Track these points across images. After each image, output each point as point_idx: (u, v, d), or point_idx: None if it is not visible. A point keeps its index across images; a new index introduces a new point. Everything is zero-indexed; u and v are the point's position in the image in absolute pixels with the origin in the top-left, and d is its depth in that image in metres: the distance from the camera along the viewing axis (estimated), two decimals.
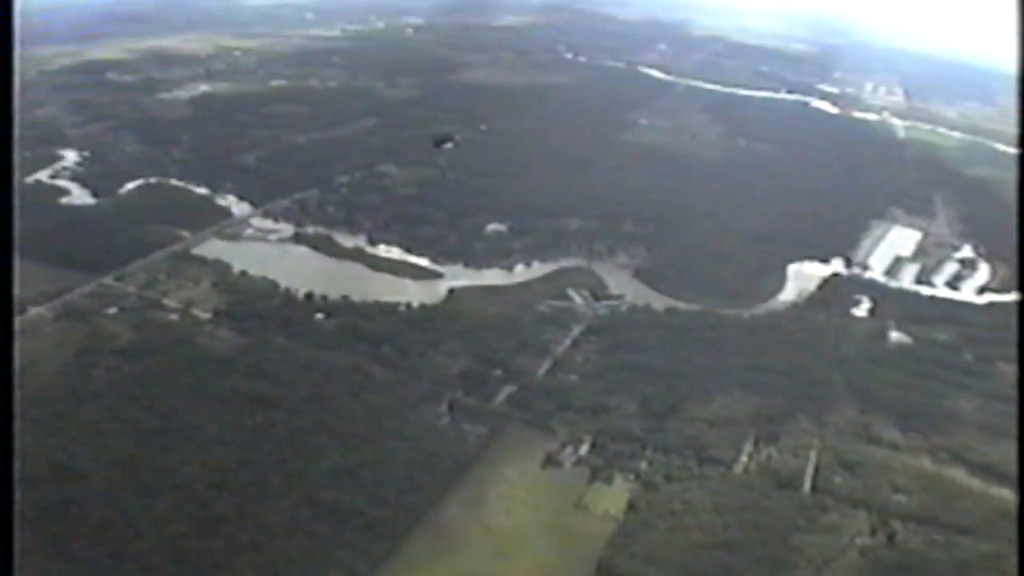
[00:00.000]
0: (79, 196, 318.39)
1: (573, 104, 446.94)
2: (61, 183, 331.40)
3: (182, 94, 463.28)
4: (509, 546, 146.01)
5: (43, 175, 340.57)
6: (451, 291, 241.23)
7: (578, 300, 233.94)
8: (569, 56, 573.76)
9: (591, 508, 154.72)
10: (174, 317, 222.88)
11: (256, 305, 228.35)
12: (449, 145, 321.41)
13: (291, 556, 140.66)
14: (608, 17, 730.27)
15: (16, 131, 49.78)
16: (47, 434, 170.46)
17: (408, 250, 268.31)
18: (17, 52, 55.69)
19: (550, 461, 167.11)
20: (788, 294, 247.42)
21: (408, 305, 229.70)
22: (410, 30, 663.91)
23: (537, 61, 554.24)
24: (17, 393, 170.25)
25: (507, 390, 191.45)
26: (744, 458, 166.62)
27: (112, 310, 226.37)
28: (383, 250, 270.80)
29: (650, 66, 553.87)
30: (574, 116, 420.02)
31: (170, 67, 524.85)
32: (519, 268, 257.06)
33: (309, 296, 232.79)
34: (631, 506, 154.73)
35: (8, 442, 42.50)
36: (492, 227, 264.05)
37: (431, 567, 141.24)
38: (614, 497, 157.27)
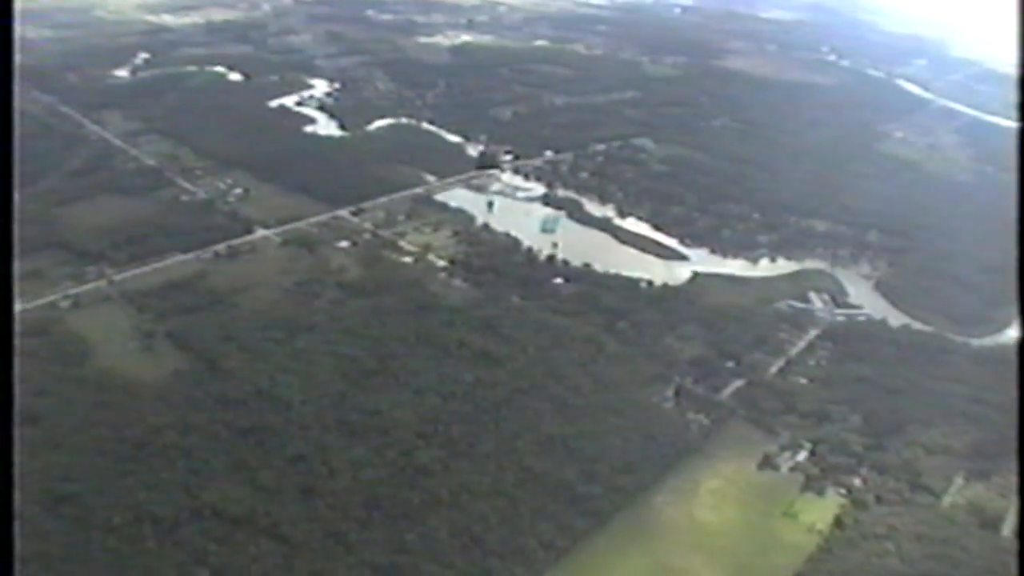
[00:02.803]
0: (324, 126, 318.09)
1: (831, 106, 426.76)
2: (307, 111, 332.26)
3: (442, 40, 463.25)
4: (710, 543, 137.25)
5: (289, 101, 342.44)
6: (695, 275, 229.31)
7: (818, 304, 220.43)
8: (832, 58, 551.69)
9: (799, 518, 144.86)
10: (407, 260, 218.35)
11: (495, 260, 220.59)
12: (495, 171, 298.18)
13: (489, 520, 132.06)
14: (871, 25, 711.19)
15: (15, 127, 44.12)
16: (256, 359, 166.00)
17: (656, 227, 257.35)
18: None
19: (767, 463, 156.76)
20: (1019, 328, 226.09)
21: (650, 283, 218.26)
22: (678, 9, 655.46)
23: (800, 58, 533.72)
24: (229, 314, 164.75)
25: (736, 384, 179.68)
26: (954, 491, 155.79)
27: (343, 243, 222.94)
28: (631, 224, 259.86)
29: (907, 80, 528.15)
30: (831, 118, 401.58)
31: (431, 12, 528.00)
32: (764, 262, 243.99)
33: (551, 259, 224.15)
34: (838, 522, 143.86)
35: (8, 442, 40.26)
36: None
37: (628, 552, 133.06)
38: (823, 510, 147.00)
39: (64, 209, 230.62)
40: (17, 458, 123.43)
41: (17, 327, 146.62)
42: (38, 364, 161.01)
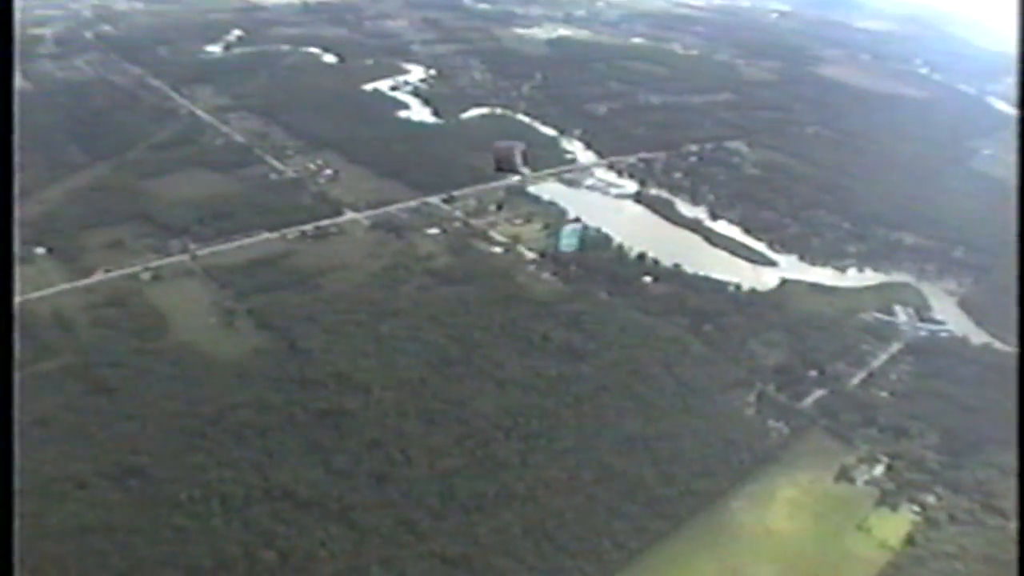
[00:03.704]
0: (418, 112, 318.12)
1: (922, 119, 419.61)
2: (401, 96, 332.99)
3: (540, 33, 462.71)
4: (783, 553, 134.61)
5: (383, 85, 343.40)
6: (783, 281, 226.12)
7: (902, 317, 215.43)
8: (924, 71, 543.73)
9: (872, 532, 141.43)
10: (497, 250, 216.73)
11: (585, 255, 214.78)
12: (516, 179, 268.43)
13: (564, 517, 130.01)
14: (964, 41, 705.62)
15: (15, 131, 40.45)
16: (338, 341, 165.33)
17: (747, 231, 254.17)
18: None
19: (844, 475, 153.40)
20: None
21: (738, 286, 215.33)
22: (775, 14, 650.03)
23: (893, 69, 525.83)
24: (313, 295, 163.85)
25: (818, 393, 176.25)
26: None
27: (433, 230, 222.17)
28: (722, 226, 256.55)
29: (997, 97, 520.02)
30: (921, 131, 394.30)
31: (529, 4, 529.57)
32: (851, 272, 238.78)
33: (641, 257, 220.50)
34: (910, 539, 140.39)
35: (8, 442, 39.43)
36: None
37: (700, 557, 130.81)
38: (895, 526, 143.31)
39: (150, 181, 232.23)
40: (87, 429, 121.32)
41: (97, 297, 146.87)
42: (115, 335, 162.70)
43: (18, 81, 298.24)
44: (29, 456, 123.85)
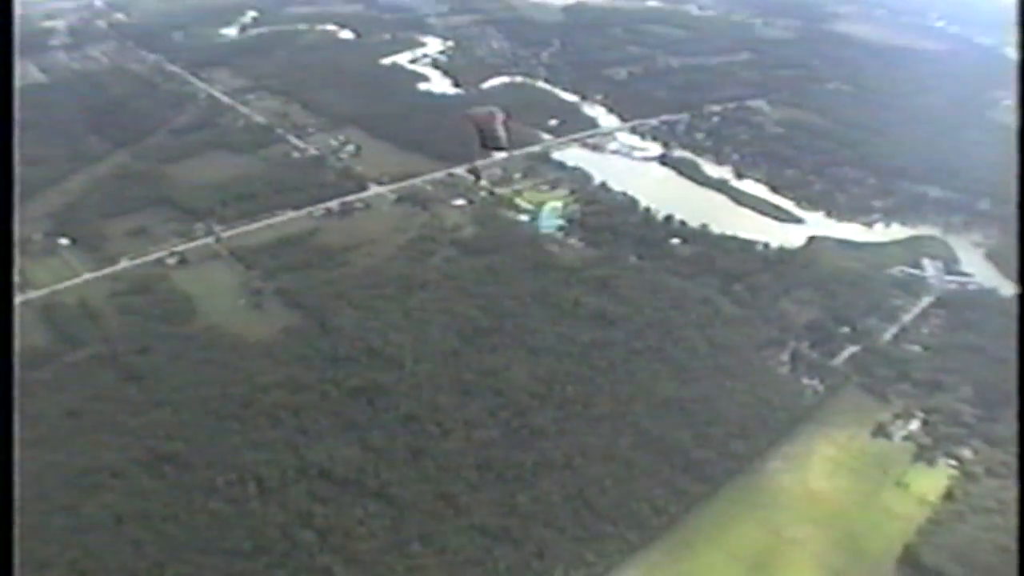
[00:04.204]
0: (439, 84, 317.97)
1: (940, 72, 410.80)
2: (421, 69, 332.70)
3: None
4: (822, 511, 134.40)
5: (401, 59, 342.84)
6: (811, 238, 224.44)
7: (931, 271, 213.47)
8: (940, 24, 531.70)
9: (910, 488, 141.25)
10: (524, 218, 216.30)
11: (612, 219, 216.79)
12: (503, 155, 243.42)
13: (603, 484, 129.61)
14: None
15: (16, 127, 38.14)
16: (368, 317, 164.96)
17: (773, 189, 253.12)
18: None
19: (880, 431, 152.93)
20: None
21: (766, 245, 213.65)
22: None
23: (909, 23, 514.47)
24: (341, 272, 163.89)
25: (850, 350, 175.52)
26: None
27: (459, 201, 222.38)
28: (748, 185, 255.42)
29: (1015, 48, 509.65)
30: (941, 84, 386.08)
31: None
32: (878, 227, 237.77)
33: (668, 219, 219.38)
34: (948, 494, 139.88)
35: (8, 441, 36.78)
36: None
37: (740, 519, 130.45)
38: (933, 481, 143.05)
39: (171, 166, 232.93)
40: (119, 417, 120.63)
41: (123, 284, 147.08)
42: (143, 322, 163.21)
43: (34, 74, 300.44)
44: (62, 448, 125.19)
